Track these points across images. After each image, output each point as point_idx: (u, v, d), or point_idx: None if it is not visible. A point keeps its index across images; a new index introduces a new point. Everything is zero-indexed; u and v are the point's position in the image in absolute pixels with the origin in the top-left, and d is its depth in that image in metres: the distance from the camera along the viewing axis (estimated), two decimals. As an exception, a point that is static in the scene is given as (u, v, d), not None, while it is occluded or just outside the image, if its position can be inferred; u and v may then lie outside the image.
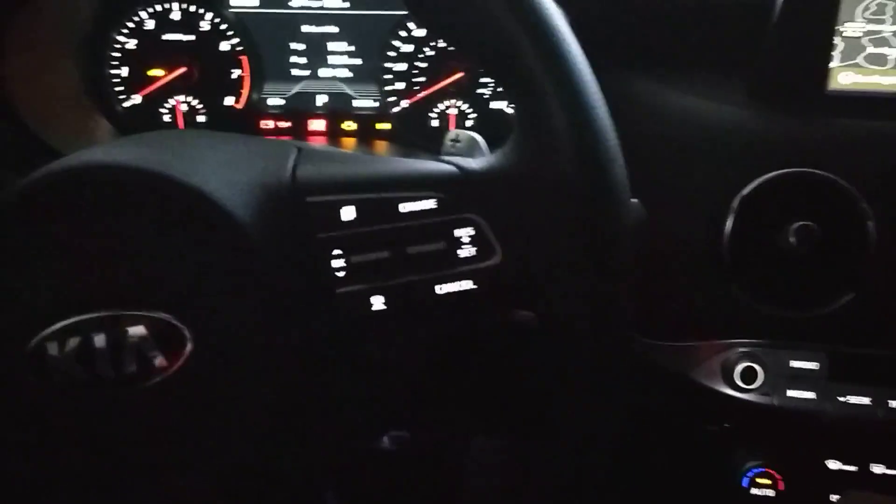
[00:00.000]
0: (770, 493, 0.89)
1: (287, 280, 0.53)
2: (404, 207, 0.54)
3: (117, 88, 1.06)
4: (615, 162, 0.53)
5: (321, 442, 0.61)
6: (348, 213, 0.54)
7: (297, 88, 1.09)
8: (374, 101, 1.09)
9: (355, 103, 1.09)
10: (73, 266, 0.52)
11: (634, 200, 0.60)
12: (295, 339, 0.55)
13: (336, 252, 0.54)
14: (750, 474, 0.87)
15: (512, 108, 0.92)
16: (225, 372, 0.54)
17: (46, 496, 0.57)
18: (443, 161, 0.57)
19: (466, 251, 0.55)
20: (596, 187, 0.52)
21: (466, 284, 0.55)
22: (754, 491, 0.90)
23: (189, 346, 0.52)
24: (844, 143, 0.84)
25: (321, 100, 1.09)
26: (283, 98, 1.09)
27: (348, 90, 1.08)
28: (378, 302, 0.54)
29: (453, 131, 0.65)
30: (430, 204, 0.54)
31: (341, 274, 0.54)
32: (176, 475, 0.56)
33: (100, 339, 0.51)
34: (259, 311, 0.53)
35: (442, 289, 0.55)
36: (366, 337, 0.57)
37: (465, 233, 0.55)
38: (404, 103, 1.08)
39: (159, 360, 0.52)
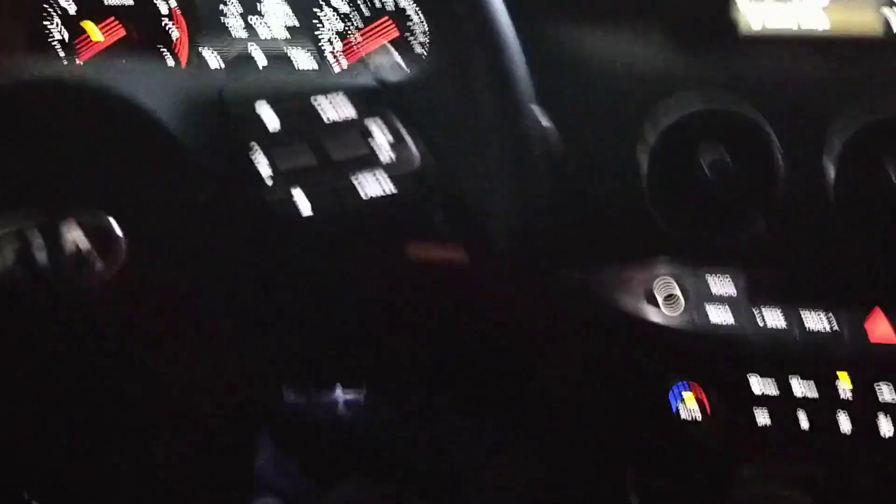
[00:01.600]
0: (697, 415, 0.95)
1: (218, 186, 0.56)
2: (326, 115, 0.57)
3: (58, 52, 1.08)
4: (518, 75, 0.58)
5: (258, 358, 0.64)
6: (273, 122, 0.57)
7: (236, 49, 1.11)
8: (314, 60, 1.11)
9: (294, 62, 1.11)
10: (11, 170, 0.54)
11: (548, 125, 0.65)
12: (228, 245, 0.58)
13: (263, 159, 0.57)
14: (676, 390, 0.92)
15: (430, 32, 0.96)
16: (161, 278, 0.56)
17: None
18: (364, 75, 0.60)
19: (387, 156, 0.58)
20: (500, 96, 0.57)
21: (389, 187, 0.58)
22: (684, 415, 0.95)
23: (124, 252, 0.55)
24: (755, 81, 0.89)
25: (261, 60, 1.12)
26: (222, 59, 1.11)
27: (286, 49, 1.11)
28: (306, 207, 0.58)
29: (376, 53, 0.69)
30: (350, 111, 0.58)
31: (269, 181, 0.57)
32: (120, 379, 0.59)
33: (38, 243, 0.54)
34: (191, 219, 0.56)
35: (367, 193, 0.58)
36: (298, 245, 0.60)
37: (385, 139, 0.58)
38: (343, 61, 1.11)
39: (98, 265, 0.55)
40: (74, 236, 0.54)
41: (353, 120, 0.58)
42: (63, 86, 0.56)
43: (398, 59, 0.67)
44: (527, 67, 0.61)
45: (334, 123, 0.58)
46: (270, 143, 0.57)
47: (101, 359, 0.59)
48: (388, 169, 0.59)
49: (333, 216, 0.59)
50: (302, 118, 0.57)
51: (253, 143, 0.57)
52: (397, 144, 0.59)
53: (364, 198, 0.59)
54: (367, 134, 0.58)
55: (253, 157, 0.57)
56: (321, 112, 0.57)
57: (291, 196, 0.57)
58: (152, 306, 0.58)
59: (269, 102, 0.57)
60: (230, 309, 0.60)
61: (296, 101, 0.57)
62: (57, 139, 0.55)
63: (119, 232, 0.55)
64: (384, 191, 0.58)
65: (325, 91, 0.58)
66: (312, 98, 0.57)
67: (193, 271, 0.58)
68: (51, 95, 0.56)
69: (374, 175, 0.58)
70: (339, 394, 1.46)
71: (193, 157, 0.56)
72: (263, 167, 0.57)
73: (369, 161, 0.58)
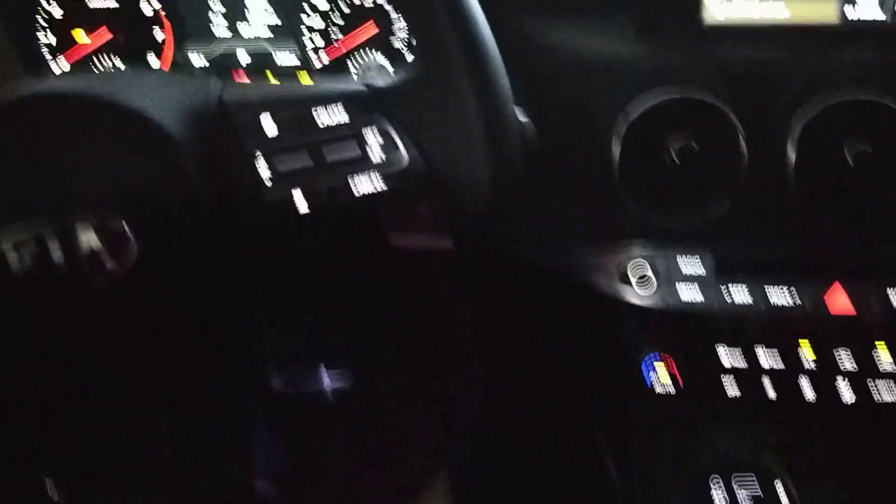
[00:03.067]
0: (671, 390, 1.00)
1: (219, 188, 0.61)
2: (321, 121, 0.62)
3: (46, 54, 1.11)
4: (497, 76, 0.62)
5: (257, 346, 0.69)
6: (270, 127, 0.62)
7: (220, 49, 1.15)
8: (295, 56, 1.15)
9: (277, 60, 1.15)
10: (28, 180, 0.58)
11: (526, 120, 0.70)
12: (231, 244, 0.62)
13: (262, 162, 0.62)
14: (648, 361, 0.97)
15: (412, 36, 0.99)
16: (170, 275, 0.61)
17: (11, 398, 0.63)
18: (354, 83, 0.65)
19: (377, 156, 0.63)
20: (482, 97, 0.61)
21: (379, 184, 0.63)
22: (658, 390, 1.01)
23: (135, 251, 0.59)
24: (719, 69, 0.94)
25: (244, 59, 1.15)
26: (207, 59, 1.15)
27: (269, 48, 1.15)
28: (303, 205, 0.62)
29: (364, 60, 0.73)
30: (343, 117, 0.62)
31: (268, 183, 0.62)
32: (131, 374, 0.63)
33: (54, 244, 0.58)
34: (196, 218, 0.60)
35: (359, 190, 0.63)
36: (295, 239, 0.65)
37: (375, 141, 0.63)
38: (324, 58, 1.14)
39: (110, 264, 0.59)
40: (88, 238, 0.58)
41: (345, 124, 0.63)
42: (66, 95, 0.60)
43: (383, 61, 0.71)
44: (503, 64, 0.66)
45: (329, 128, 0.62)
46: (270, 149, 0.62)
47: (113, 351, 0.63)
48: (379, 168, 0.63)
49: (328, 213, 0.63)
50: (299, 125, 0.62)
51: (252, 146, 0.61)
52: (386, 146, 0.63)
53: (357, 195, 0.63)
54: (360, 136, 0.63)
55: (255, 163, 0.61)
56: (317, 118, 0.62)
57: (290, 196, 0.62)
58: (161, 301, 0.62)
59: (269, 111, 0.61)
60: (233, 301, 0.64)
61: (294, 109, 0.61)
62: (64, 147, 0.59)
63: (130, 233, 0.59)
64: (375, 188, 0.63)
65: (319, 97, 0.62)
66: (313, 109, 0.61)
67: (198, 269, 0.62)
68: (56, 105, 0.59)
69: (366, 174, 0.63)
70: (325, 378, 1.50)
71: (194, 159, 0.60)
72: (263, 170, 0.61)
73: (361, 162, 0.63)
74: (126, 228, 0.58)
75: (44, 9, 1.09)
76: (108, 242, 0.58)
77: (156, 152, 0.59)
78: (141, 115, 0.59)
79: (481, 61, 0.62)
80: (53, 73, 1.11)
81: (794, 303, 0.94)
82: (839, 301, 0.94)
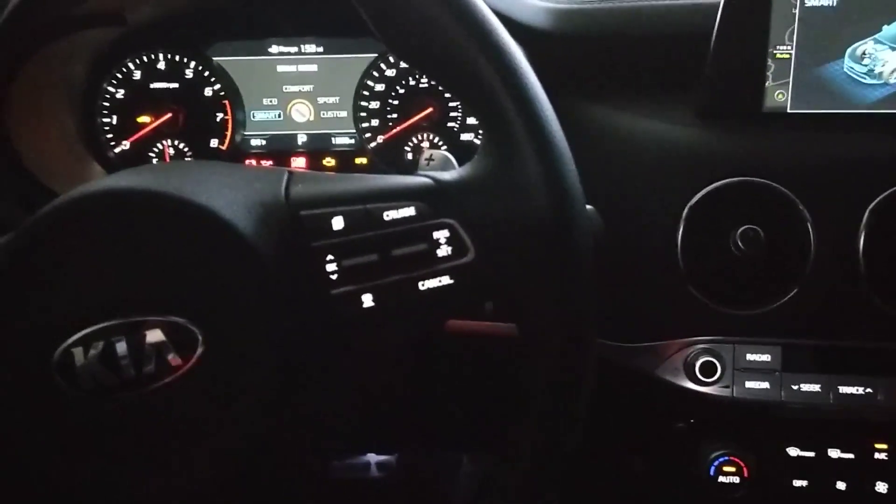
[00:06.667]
0: (735, 479, 0.96)
1: (287, 285, 0.60)
2: (388, 216, 0.61)
3: (108, 136, 1.13)
4: (568, 168, 0.61)
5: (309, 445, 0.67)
6: (338, 223, 0.61)
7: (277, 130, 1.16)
8: (351, 138, 1.16)
9: (334, 140, 1.16)
10: (96, 280, 0.58)
11: (590, 208, 0.68)
12: (297, 339, 0.61)
13: (329, 258, 0.61)
14: (716, 463, 0.94)
15: (479, 134, 1.00)
16: (233, 369, 0.60)
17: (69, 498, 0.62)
18: (419, 175, 0.65)
19: (444, 251, 0.62)
20: (552, 190, 0.60)
21: (445, 280, 0.62)
22: (721, 479, 0.97)
23: (201, 347, 0.59)
24: (781, 153, 0.93)
25: (301, 139, 1.17)
26: (265, 139, 1.16)
27: (326, 129, 1.16)
28: (368, 300, 0.61)
29: (428, 151, 0.73)
30: (410, 212, 0.62)
31: (334, 277, 0.61)
32: (184, 469, 0.62)
33: (121, 345, 0.58)
34: (263, 314, 0.60)
35: (424, 285, 0.62)
36: (359, 335, 0.64)
37: (441, 235, 0.62)
38: (380, 139, 1.15)
39: (174, 360, 0.58)
40: (154, 336, 0.58)
41: (411, 217, 0.62)
42: (134, 191, 0.60)
43: (451, 159, 0.71)
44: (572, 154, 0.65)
45: (394, 221, 0.62)
46: (335, 243, 0.61)
47: (172, 451, 0.62)
48: (443, 261, 0.62)
49: (393, 307, 0.62)
50: (365, 220, 0.61)
51: (319, 243, 0.61)
52: (452, 240, 0.62)
53: (421, 289, 0.62)
54: (426, 231, 0.62)
55: (320, 256, 0.61)
56: (382, 213, 0.61)
57: (354, 290, 0.61)
58: (224, 399, 0.61)
59: (332, 205, 0.61)
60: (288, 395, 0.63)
61: (361, 207, 0.61)
62: (137, 244, 0.60)
63: (195, 330, 0.59)
64: (440, 283, 0.62)
65: (387, 193, 0.62)
66: (384, 213, 0.61)
67: (263, 366, 0.61)
68: (132, 206, 0.60)
69: (432, 269, 0.62)
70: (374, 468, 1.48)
71: (263, 258, 0.60)
72: (331, 266, 0.61)
73: (426, 256, 0.62)
74: (191, 326, 0.58)
75: (108, 91, 1.12)
76: (173, 339, 0.58)
77: (223, 247, 0.59)
78: (208, 210, 0.59)
79: (550, 149, 0.61)
80: (114, 152, 1.13)
81: (868, 399, 0.90)
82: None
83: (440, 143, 1.15)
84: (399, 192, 0.62)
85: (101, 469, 0.61)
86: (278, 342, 0.60)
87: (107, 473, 0.61)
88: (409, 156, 1.15)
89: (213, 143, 1.15)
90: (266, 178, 0.65)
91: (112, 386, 0.58)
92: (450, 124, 1.14)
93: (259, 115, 1.15)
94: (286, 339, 0.60)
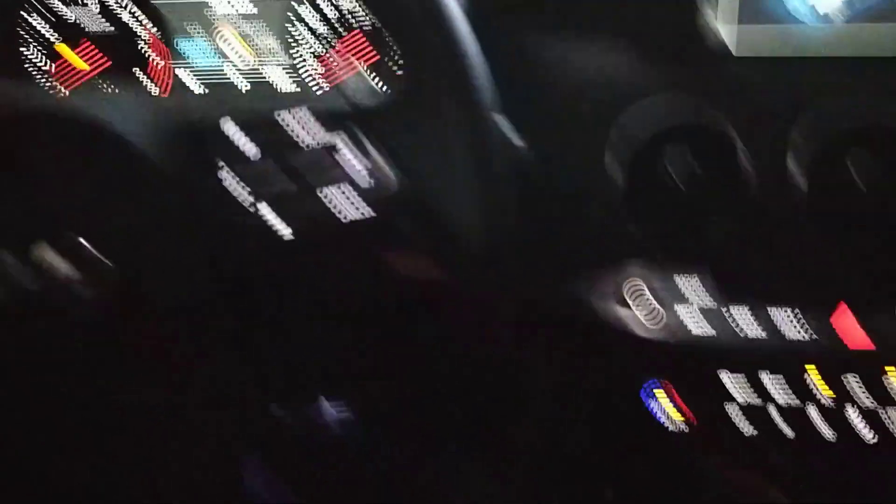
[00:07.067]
0: (671, 412, 0.98)
1: (202, 213, 0.59)
2: (303, 141, 0.60)
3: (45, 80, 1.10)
4: (483, 91, 0.61)
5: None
6: (254, 151, 0.60)
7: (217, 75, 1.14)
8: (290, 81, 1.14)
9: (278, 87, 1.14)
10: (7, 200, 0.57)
11: (521, 144, 0.68)
12: (213, 270, 0.60)
13: (245, 187, 0.60)
14: (647, 387, 0.95)
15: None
16: (152, 299, 0.59)
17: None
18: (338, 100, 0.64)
19: (367, 183, 0.61)
20: (465, 113, 0.60)
21: (368, 212, 0.61)
22: (656, 412, 0.98)
23: (116, 275, 0.58)
24: (721, 93, 0.93)
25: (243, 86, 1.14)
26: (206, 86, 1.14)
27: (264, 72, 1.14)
28: (287, 232, 0.61)
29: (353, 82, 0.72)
30: (328, 139, 0.61)
31: (251, 208, 0.60)
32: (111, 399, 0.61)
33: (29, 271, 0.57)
34: (179, 243, 0.59)
35: (346, 217, 0.61)
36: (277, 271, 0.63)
37: (364, 165, 0.61)
38: (325, 85, 1.13)
39: (85, 290, 0.57)
40: (62, 262, 0.57)
41: (330, 146, 0.61)
42: (50, 116, 0.59)
43: (370, 80, 0.70)
44: (491, 79, 0.64)
45: (312, 150, 0.61)
46: (252, 171, 0.60)
47: (93, 378, 0.61)
48: (366, 192, 0.62)
49: (313, 238, 0.61)
50: (281, 147, 0.60)
51: (235, 171, 0.60)
52: (373, 168, 0.62)
53: (344, 221, 0.61)
54: (345, 159, 0.61)
55: (235, 185, 0.60)
56: (299, 140, 0.60)
57: (272, 222, 0.60)
58: (140, 328, 0.60)
59: (246, 131, 0.60)
60: (215, 327, 0.62)
61: (274, 130, 0.60)
62: (47, 168, 0.58)
63: (106, 260, 0.58)
64: (363, 215, 0.61)
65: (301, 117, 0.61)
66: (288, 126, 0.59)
67: (179, 292, 0.60)
68: (39, 126, 0.58)
69: (352, 200, 0.61)
70: (326, 408, 1.47)
71: (178, 186, 0.59)
72: (246, 195, 0.60)
73: (348, 186, 0.61)
74: (101, 255, 0.57)
75: (38, 32, 1.09)
76: (82, 267, 0.57)
77: (138, 175, 0.58)
78: (124, 139, 0.58)
79: (464, 70, 0.61)
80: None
81: (799, 325, 0.91)
82: (846, 323, 0.92)
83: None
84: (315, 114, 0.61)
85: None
86: (196, 275, 0.59)
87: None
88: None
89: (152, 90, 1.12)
90: (183, 102, 0.63)
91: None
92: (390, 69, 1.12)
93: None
94: (204, 272, 0.60)
